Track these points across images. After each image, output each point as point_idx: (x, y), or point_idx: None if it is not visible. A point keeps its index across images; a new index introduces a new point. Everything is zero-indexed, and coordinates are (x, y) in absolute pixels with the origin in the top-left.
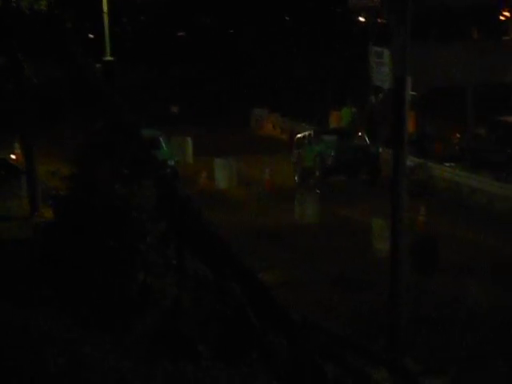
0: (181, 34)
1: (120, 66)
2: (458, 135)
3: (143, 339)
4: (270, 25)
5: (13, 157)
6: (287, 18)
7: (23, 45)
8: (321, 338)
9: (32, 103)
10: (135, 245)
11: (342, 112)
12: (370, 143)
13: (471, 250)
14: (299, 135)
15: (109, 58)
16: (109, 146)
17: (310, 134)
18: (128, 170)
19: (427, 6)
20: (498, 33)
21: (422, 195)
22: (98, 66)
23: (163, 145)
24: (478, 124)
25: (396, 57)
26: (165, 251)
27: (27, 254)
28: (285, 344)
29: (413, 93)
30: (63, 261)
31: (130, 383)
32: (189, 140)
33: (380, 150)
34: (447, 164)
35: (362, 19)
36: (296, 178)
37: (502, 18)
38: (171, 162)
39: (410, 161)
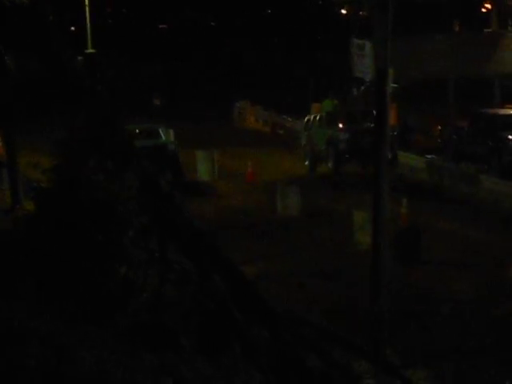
0: (162, 26)
1: (101, 59)
2: (439, 127)
3: (127, 332)
4: (250, 16)
5: None
6: (269, 11)
7: (3, 37)
8: (303, 330)
9: (14, 96)
10: (118, 238)
11: (323, 104)
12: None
13: (454, 241)
14: (308, 117)
15: (90, 50)
16: (97, 141)
17: (321, 116)
18: (113, 162)
19: None
20: (480, 25)
21: (404, 189)
22: (79, 58)
23: (162, 135)
24: (459, 116)
25: (377, 49)
26: (147, 244)
27: (9, 247)
28: (267, 337)
29: (394, 85)
30: (47, 254)
31: (114, 376)
32: (171, 132)
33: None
34: (429, 156)
35: (344, 11)
36: (307, 163)
37: (483, 10)
38: (171, 147)
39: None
